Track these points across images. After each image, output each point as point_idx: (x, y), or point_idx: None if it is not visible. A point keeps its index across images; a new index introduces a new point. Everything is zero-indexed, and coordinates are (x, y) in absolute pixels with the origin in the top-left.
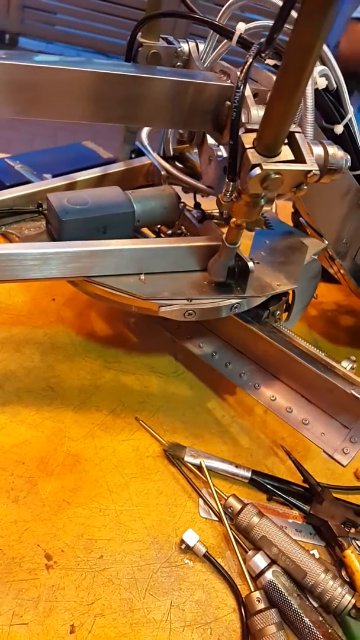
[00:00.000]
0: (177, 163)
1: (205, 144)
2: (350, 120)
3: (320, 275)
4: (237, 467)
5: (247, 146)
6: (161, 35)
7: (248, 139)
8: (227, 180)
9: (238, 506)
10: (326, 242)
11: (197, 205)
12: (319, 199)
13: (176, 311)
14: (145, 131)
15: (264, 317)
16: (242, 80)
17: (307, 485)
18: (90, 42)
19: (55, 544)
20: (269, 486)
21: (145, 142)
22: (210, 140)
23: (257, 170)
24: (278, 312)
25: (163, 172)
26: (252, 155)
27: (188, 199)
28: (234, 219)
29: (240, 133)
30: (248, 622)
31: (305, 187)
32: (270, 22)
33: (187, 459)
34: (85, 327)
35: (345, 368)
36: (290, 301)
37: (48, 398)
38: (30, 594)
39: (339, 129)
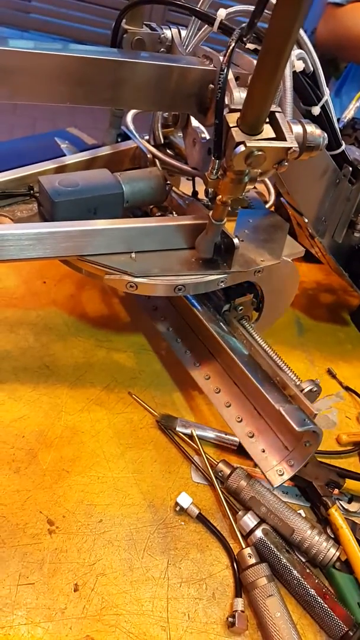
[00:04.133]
0: (167, 150)
1: (189, 126)
2: (326, 102)
3: (297, 282)
4: (226, 434)
5: (231, 125)
6: (145, 22)
7: (232, 119)
8: (212, 158)
9: (228, 470)
10: (306, 220)
11: (195, 194)
12: (298, 178)
13: (119, 281)
14: (130, 115)
15: (224, 309)
16: (226, 63)
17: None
18: (66, 30)
19: (56, 510)
20: None
21: (131, 126)
22: (194, 123)
23: (242, 148)
24: (241, 307)
25: (149, 155)
26: (237, 134)
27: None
28: (219, 197)
29: (224, 113)
30: (241, 576)
31: (286, 163)
32: (249, 7)
33: (178, 429)
34: (76, 308)
35: (301, 388)
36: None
37: (44, 376)
38: (35, 556)
39: (316, 110)
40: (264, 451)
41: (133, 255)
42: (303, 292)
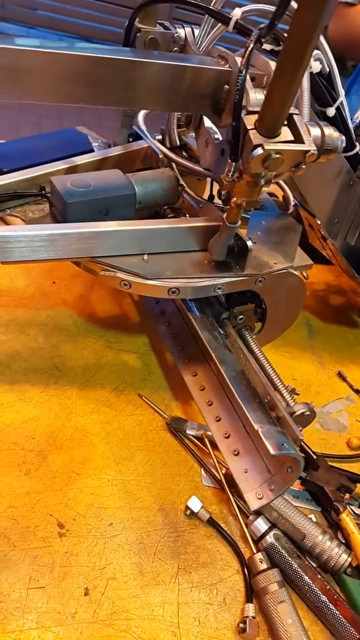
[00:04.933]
0: (183, 152)
1: (202, 127)
2: (341, 103)
3: (303, 296)
4: None
5: (249, 127)
6: (158, 21)
7: (250, 121)
8: (229, 160)
9: None
10: (319, 221)
11: (212, 198)
12: (312, 179)
13: (113, 278)
14: (142, 115)
15: (223, 317)
16: (245, 65)
17: (303, 454)
18: (73, 27)
19: (67, 513)
20: None
21: (143, 126)
22: (207, 123)
23: (259, 151)
24: (242, 316)
25: (160, 156)
26: (254, 136)
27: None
28: (234, 199)
29: (242, 115)
30: (252, 581)
31: (303, 166)
32: (265, 7)
33: (189, 431)
34: (86, 309)
35: (292, 411)
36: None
37: (54, 377)
38: (45, 560)
39: (331, 111)
40: (246, 471)
41: (145, 257)
42: (313, 294)
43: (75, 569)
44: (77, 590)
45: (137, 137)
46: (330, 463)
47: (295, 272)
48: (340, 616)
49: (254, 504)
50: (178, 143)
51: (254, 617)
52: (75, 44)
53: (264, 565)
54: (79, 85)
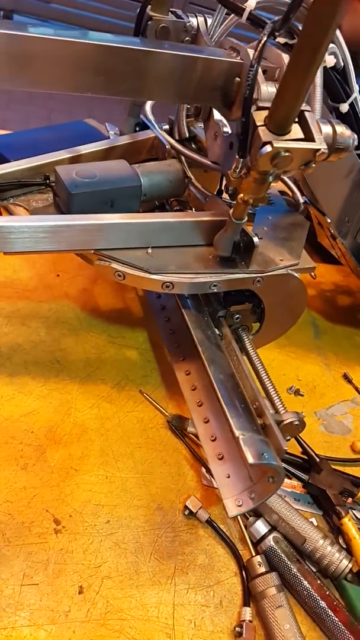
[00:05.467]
0: (192, 145)
1: (211, 119)
2: (355, 99)
3: (304, 299)
4: None
5: (258, 124)
6: (170, 9)
7: (259, 117)
8: (237, 156)
9: None
10: (328, 220)
11: (220, 193)
12: (323, 177)
13: (107, 268)
14: (149, 104)
15: (219, 315)
16: (256, 58)
17: (305, 457)
18: (87, 21)
19: (63, 509)
20: None
21: (150, 115)
22: (216, 115)
23: (268, 148)
24: (239, 316)
25: (167, 146)
26: (264, 133)
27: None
28: (241, 195)
29: (252, 110)
30: (249, 584)
31: (313, 165)
32: None
33: (189, 429)
34: (89, 302)
35: (280, 419)
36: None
37: (55, 371)
38: (40, 556)
39: (344, 107)
40: (228, 477)
41: (149, 250)
42: (320, 294)
43: (70, 567)
44: (71, 588)
45: (144, 126)
46: (333, 466)
47: (296, 275)
48: (339, 623)
49: (232, 511)
50: (187, 135)
51: (250, 621)
52: (83, 32)
53: (262, 569)
54: (87, 74)
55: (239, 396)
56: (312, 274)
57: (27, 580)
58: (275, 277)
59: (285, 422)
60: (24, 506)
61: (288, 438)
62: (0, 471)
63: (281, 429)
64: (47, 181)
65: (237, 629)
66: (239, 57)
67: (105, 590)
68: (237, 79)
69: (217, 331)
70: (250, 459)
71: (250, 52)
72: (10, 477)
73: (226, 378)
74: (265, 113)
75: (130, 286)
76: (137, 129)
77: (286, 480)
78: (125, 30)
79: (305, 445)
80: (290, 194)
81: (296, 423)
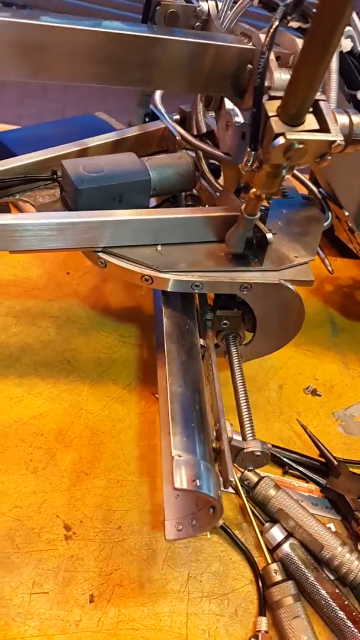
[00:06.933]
0: (207, 141)
1: (222, 108)
2: None
3: (301, 315)
4: None
5: (270, 114)
6: None
7: (272, 107)
8: (248, 149)
9: (255, 479)
10: (346, 213)
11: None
12: (340, 169)
13: (91, 254)
14: (158, 94)
15: (206, 317)
16: (268, 44)
17: (323, 460)
18: (99, 14)
19: (74, 515)
20: (285, 459)
21: (160, 105)
22: (228, 104)
23: (281, 140)
24: (226, 322)
25: (178, 137)
26: (276, 124)
27: None
28: (253, 190)
29: (263, 100)
30: (265, 593)
31: (329, 157)
32: None
33: None
34: (100, 301)
35: (243, 447)
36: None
37: (65, 371)
38: (50, 564)
39: None
40: (177, 497)
41: (159, 248)
42: (338, 290)
43: (81, 574)
44: (82, 597)
45: (154, 117)
46: (352, 470)
47: (289, 286)
48: (358, 634)
49: (170, 534)
50: (204, 130)
51: (266, 632)
52: (92, 20)
53: (279, 577)
54: (90, 63)
55: (197, 414)
56: (330, 268)
57: (36, 588)
58: (266, 286)
59: (245, 451)
60: (33, 511)
61: (250, 467)
62: (10, 475)
63: (241, 457)
64: (55, 176)
65: (252, 639)
66: (250, 43)
67: (117, 598)
68: (249, 66)
69: (200, 340)
70: (177, 483)
71: (263, 37)
72: (20, 482)
73: (186, 392)
74: (278, 103)
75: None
76: (147, 119)
77: (303, 484)
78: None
79: (322, 447)
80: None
81: (258, 454)
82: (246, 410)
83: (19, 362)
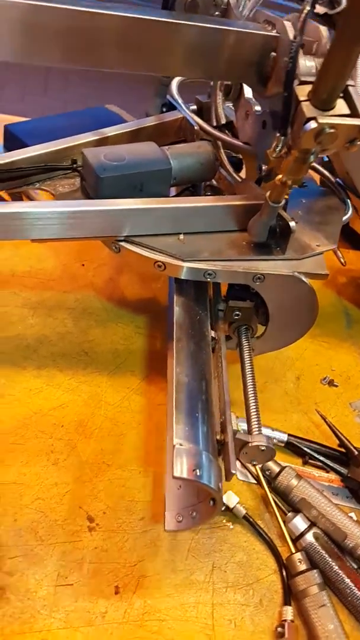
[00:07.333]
0: (226, 131)
1: (242, 98)
2: None
3: (314, 309)
4: (273, 430)
5: (301, 99)
6: None
7: (303, 92)
8: (277, 135)
9: (276, 469)
10: None
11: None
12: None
13: (107, 240)
14: (175, 84)
15: (218, 308)
16: (300, 30)
17: (343, 450)
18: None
19: (96, 506)
20: (306, 449)
21: (177, 95)
22: (246, 94)
23: (312, 124)
24: (238, 313)
25: (196, 127)
26: (307, 109)
27: None
28: (279, 177)
29: (294, 85)
30: (290, 582)
31: (358, 142)
32: None
33: None
34: (115, 293)
35: (247, 440)
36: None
37: (83, 363)
38: (74, 555)
39: None
40: (179, 488)
41: (181, 237)
42: (351, 282)
43: (106, 566)
44: (107, 588)
45: (171, 107)
46: None
47: (303, 279)
48: None
49: (169, 525)
50: (224, 121)
51: (292, 621)
52: (112, 4)
53: (303, 566)
54: (115, 49)
55: (202, 405)
56: (342, 260)
57: (61, 580)
58: (279, 277)
59: (251, 445)
60: (56, 503)
61: (254, 463)
62: (31, 467)
63: (246, 451)
64: (75, 165)
65: (279, 629)
66: (274, 31)
67: (142, 589)
68: (273, 53)
69: (212, 332)
70: (177, 472)
71: (287, 24)
72: (41, 473)
73: (193, 382)
74: (308, 88)
75: (156, 275)
76: (164, 109)
77: (323, 474)
78: None
79: (343, 437)
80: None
81: (263, 448)
82: (254, 404)
83: (37, 353)
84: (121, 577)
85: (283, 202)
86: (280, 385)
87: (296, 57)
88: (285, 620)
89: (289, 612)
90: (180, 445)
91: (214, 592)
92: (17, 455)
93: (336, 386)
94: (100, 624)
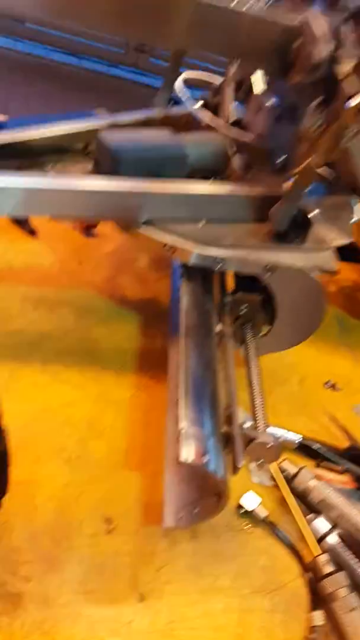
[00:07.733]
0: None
1: (252, 93)
2: None
3: (321, 306)
4: (287, 432)
5: (342, 77)
6: None
7: (342, 70)
8: (315, 111)
9: (293, 470)
10: None
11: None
12: None
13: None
14: (181, 79)
15: (225, 299)
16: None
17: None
18: (63, 42)
19: (113, 508)
20: (319, 450)
21: (184, 91)
22: (256, 89)
23: (357, 99)
24: (245, 306)
25: (208, 123)
26: (350, 85)
27: None
28: (310, 159)
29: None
30: (317, 586)
31: None
32: None
33: None
34: (117, 291)
35: (254, 436)
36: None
37: (88, 359)
38: (94, 560)
39: None
40: (179, 483)
41: (202, 224)
42: (341, 291)
43: (127, 571)
44: (131, 596)
45: (176, 103)
46: None
47: (313, 276)
48: None
49: (169, 521)
50: (235, 117)
51: (323, 626)
52: None
53: (329, 568)
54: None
55: (209, 395)
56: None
57: (82, 587)
58: (290, 272)
59: (257, 441)
60: (72, 503)
61: (260, 461)
62: (42, 465)
63: (252, 447)
64: (88, 148)
65: (311, 635)
66: (297, 21)
67: (168, 596)
68: (297, 41)
69: (218, 325)
70: (184, 456)
71: (315, 10)
72: (55, 472)
73: (201, 372)
74: (349, 66)
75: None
76: (171, 103)
77: (336, 476)
78: (107, 54)
79: (355, 438)
80: None
81: (269, 446)
82: (260, 400)
83: (40, 349)
84: (145, 584)
85: (309, 187)
86: (285, 388)
87: (339, 41)
88: (315, 626)
89: (318, 617)
90: (188, 427)
91: (241, 598)
92: (27, 454)
93: (339, 390)
94: (126, 634)
